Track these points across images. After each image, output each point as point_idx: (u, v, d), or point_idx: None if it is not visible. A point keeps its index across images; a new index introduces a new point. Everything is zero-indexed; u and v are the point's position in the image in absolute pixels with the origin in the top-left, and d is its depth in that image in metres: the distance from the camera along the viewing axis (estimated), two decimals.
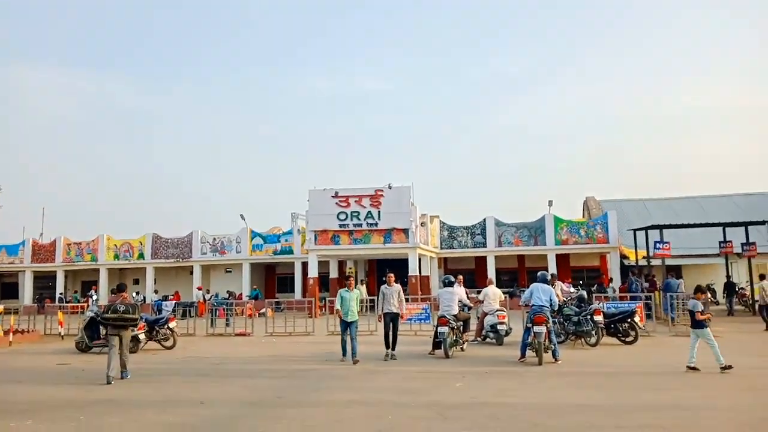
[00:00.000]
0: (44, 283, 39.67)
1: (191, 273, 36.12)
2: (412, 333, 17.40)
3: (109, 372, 9.77)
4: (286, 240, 35.29)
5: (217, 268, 37.63)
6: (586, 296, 15.35)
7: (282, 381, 9.91)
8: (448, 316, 12.29)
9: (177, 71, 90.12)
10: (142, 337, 14.45)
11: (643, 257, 29.15)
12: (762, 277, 19.64)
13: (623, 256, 31.77)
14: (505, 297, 16.48)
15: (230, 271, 37.30)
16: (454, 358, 12.10)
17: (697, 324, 10.02)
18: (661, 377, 9.59)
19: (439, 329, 12.18)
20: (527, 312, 11.91)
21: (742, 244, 24.48)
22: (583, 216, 37.94)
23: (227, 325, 20.39)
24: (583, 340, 13.49)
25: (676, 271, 30.29)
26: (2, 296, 41.30)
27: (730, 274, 26.59)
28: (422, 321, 17.90)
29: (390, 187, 27.46)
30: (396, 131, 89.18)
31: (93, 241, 37.67)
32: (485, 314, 14.99)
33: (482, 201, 77.05)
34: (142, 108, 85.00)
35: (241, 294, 34.29)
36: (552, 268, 31.34)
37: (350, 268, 35.37)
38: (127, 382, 9.95)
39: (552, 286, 12.65)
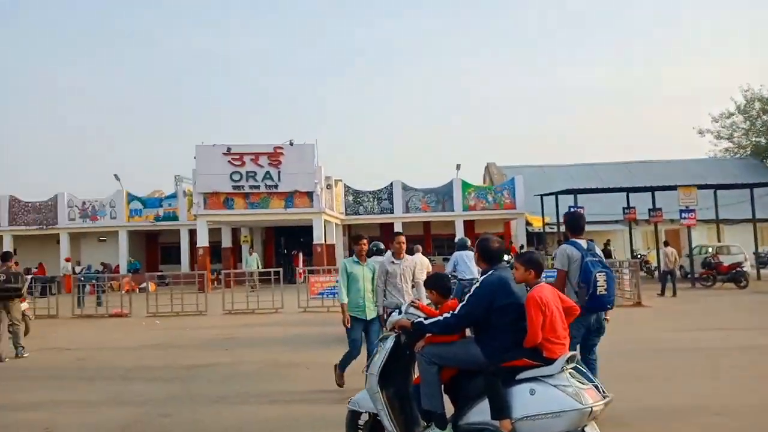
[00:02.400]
0: None
1: (58, 242, 31.32)
2: (324, 309, 15.20)
3: (18, 344, 9.49)
4: (170, 204, 31.43)
5: (88, 236, 33.01)
6: None
7: (168, 385, 7.32)
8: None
9: (25, 22, 79.85)
10: None
11: (546, 224, 28.83)
12: (666, 243, 19.49)
13: (527, 223, 31.30)
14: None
15: (104, 240, 32.87)
16: None
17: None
18: None
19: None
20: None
21: (649, 210, 24.39)
22: (485, 182, 37.25)
23: (99, 304, 17.05)
24: None
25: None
26: None
27: (632, 240, 26.71)
28: (335, 296, 15.66)
29: (291, 144, 24.67)
30: (287, 91, 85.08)
31: None
32: None
33: (385, 165, 75.41)
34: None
35: (117, 266, 30.28)
36: (459, 234, 30.20)
37: (245, 236, 32.32)
38: None
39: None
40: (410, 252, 7.80)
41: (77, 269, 26.01)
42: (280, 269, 17.19)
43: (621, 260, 21.16)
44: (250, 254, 25.04)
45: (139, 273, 27.35)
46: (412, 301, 4.46)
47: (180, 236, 31.11)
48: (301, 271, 25.61)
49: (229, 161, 24.70)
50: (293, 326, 12.65)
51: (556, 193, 26.01)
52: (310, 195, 25.21)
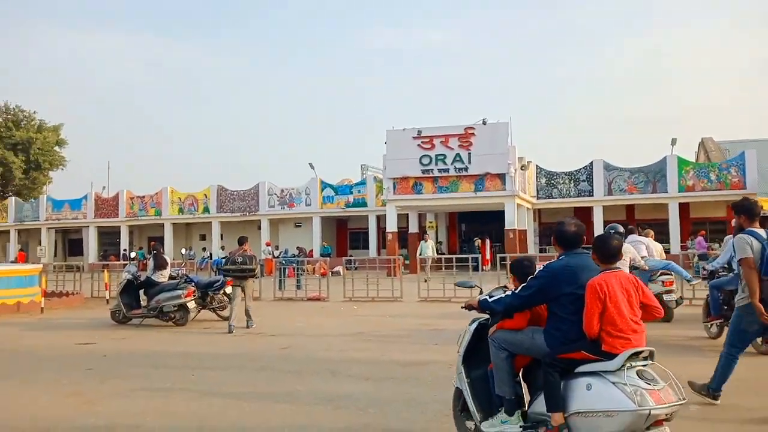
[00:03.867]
0: (110, 239, 38.06)
1: (259, 228, 33.24)
2: None
3: (231, 322, 10.34)
4: (359, 191, 31.76)
5: (285, 222, 34.67)
6: None
7: (384, 386, 6.26)
8: None
9: (234, 32, 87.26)
10: (191, 305, 11.25)
11: None
12: None
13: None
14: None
15: (300, 226, 34.24)
16: None
17: None
18: None
19: None
20: None
21: None
22: (698, 160, 32.36)
23: (298, 287, 17.10)
24: None
25: None
26: (69, 254, 40.23)
27: None
28: None
29: (484, 123, 23.12)
30: (471, 78, 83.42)
31: (156, 194, 35.42)
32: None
33: (579, 144, 70.40)
34: (205, 67, 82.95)
35: (311, 251, 31.26)
36: (674, 219, 26.47)
37: (430, 222, 31.53)
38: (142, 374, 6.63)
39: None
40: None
41: (276, 253, 27.11)
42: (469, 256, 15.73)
43: None
44: (425, 240, 23.18)
45: (330, 257, 27.87)
46: (504, 286, 4.39)
47: (368, 222, 31.28)
48: (488, 258, 24.24)
49: (419, 145, 23.92)
50: None
51: None
52: (502, 177, 23.52)
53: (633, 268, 8.96)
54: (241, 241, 11.02)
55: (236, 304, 10.57)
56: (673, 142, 27.12)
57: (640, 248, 10.45)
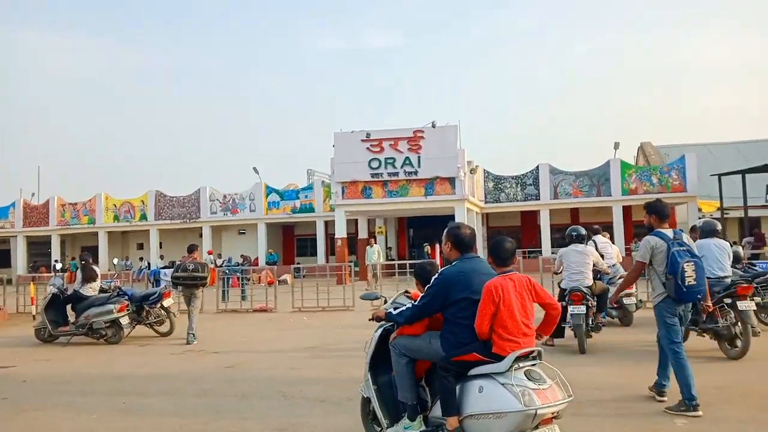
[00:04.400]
0: (40, 249, 35.72)
1: (200, 235, 31.89)
2: None
3: (191, 331, 10.04)
4: (306, 196, 30.92)
5: (229, 229, 33.43)
6: (741, 255, 10.84)
7: (342, 411, 5.64)
8: (583, 289, 7.98)
9: (176, 31, 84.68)
10: (124, 321, 10.29)
11: (717, 209, 24.77)
12: None
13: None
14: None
15: (244, 232, 33.07)
16: (590, 353, 7.86)
17: None
18: None
19: (571, 310, 7.84)
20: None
21: None
22: (637, 165, 33.14)
23: (243, 298, 16.22)
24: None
25: (755, 225, 25.90)
26: None
27: None
28: None
29: (434, 126, 22.80)
30: (414, 82, 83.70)
31: (90, 201, 33.47)
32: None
33: (523, 148, 71.39)
34: (144, 66, 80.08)
35: (256, 259, 30.24)
36: (618, 222, 26.88)
37: (379, 227, 31.08)
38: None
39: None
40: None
41: (219, 262, 26.01)
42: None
43: None
44: (371, 245, 21.95)
45: (277, 265, 26.95)
46: (406, 291, 4.47)
47: (316, 228, 30.51)
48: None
49: (367, 148, 23.39)
50: None
51: (743, 172, 21.94)
52: (452, 181, 23.26)
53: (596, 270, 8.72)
54: (191, 249, 10.72)
55: (195, 312, 10.31)
56: (616, 146, 27.61)
57: (609, 252, 10.23)
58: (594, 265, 8.46)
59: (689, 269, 5.00)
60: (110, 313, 10.10)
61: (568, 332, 8.44)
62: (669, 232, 5.23)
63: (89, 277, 10.62)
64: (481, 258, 3.99)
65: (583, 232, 8.56)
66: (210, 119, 78.89)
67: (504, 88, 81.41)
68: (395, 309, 4.02)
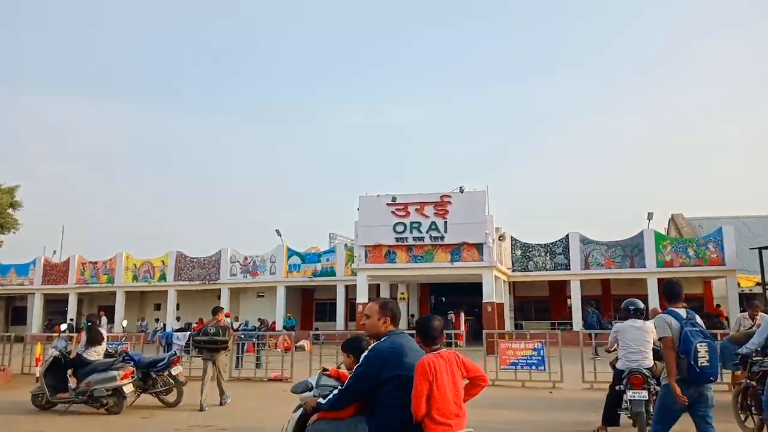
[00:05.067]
0: (57, 307, 35.27)
1: (219, 297, 31.22)
2: (519, 384, 12.16)
3: (201, 401, 9.59)
4: (327, 260, 30.26)
5: (248, 291, 32.74)
6: None
7: None
8: (643, 371, 6.99)
9: (199, 98, 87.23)
10: (128, 389, 9.46)
11: (757, 283, 23.54)
12: None
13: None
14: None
15: (263, 295, 32.31)
16: None
17: None
18: None
19: (631, 395, 6.84)
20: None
21: None
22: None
23: (257, 365, 15.29)
24: None
25: None
26: (11, 322, 37.18)
27: None
28: (533, 367, 12.54)
29: (461, 191, 22.23)
30: (444, 150, 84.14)
31: (110, 260, 33.23)
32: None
33: (551, 217, 70.30)
34: (170, 133, 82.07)
35: (274, 323, 29.31)
36: (653, 295, 25.53)
37: (402, 294, 30.08)
38: None
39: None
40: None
41: (235, 325, 25.16)
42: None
43: None
44: None
45: (295, 330, 25.99)
46: (324, 368, 4.29)
47: (336, 292, 29.67)
48: (461, 333, 22.78)
49: (393, 212, 22.84)
50: (505, 407, 9.65)
51: None
52: (479, 247, 22.45)
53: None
54: (215, 311, 10.57)
55: (207, 380, 9.90)
56: (650, 216, 26.63)
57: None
58: (654, 344, 7.50)
59: (702, 350, 4.91)
60: (113, 380, 9.30)
61: (624, 419, 7.41)
62: (682, 312, 5.14)
63: (94, 340, 9.89)
64: (406, 336, 3.76)
65: (641, 305, 7.63)
66: (235, 182, 79.81)
67: (534, 157, 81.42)
68: (324, 397, 3.73)
